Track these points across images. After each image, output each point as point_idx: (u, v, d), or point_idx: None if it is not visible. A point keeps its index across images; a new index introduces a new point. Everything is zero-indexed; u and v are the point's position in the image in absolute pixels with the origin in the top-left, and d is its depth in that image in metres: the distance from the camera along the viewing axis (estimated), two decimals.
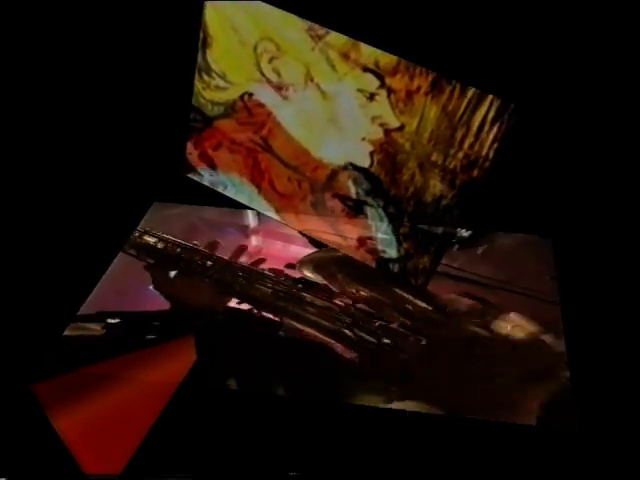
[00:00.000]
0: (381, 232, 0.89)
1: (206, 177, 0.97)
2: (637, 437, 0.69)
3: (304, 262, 0.90)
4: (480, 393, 0.73)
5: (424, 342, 0.79)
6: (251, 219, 0.98)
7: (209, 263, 0.90)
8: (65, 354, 0.77)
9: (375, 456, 0.69)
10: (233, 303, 0.84)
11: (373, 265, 0.89)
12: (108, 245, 0.91)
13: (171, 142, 0.97)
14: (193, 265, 0.90)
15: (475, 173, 0.81)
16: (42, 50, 0.97)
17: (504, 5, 0.85)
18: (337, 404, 0.72)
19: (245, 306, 0.84)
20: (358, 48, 0.82)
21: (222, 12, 0.87)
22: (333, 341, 0.79)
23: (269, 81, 0.88)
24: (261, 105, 0.90)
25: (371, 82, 0.83)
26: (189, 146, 0.96)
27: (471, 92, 0.79)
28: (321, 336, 0.80)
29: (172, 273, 0.88)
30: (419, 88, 0.81)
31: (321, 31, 0.83)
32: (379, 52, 0.81)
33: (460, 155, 0.81)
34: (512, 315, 0.82)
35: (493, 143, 0.79)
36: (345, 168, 0.88)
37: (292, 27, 0.84)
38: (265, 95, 0.89)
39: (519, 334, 0.80)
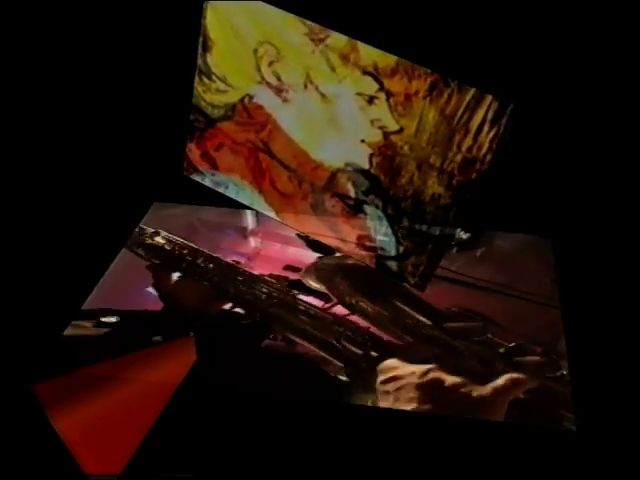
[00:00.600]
0: (380, 233, 0.89)
1: (207, 177, 0.97)
2: (636, 437, 0.69)
3: (309, 271, 0.90)
4: (479, 393, 0.73)
5: (408, 354, 0.79)
6: (250, 220, 0.98)
7: (210, 266, 0.90)
8: (65, 354, 0.77)
9: (375, 456, 0.69)
10: (227, 307, 0.84)
11: (372, 265, 0.90)
12: (108, 245, 0.91)
13: (171, 142, 0.97)
14: (195, 267, 0.90)
15: (474, 175, 0.81)
16: (43, 52, 0.97)
17: (503, 5, 0.86)
18: (333, 404, 0.72)
19: (238, 310, 0.84)
20: (357, 50, 0.82)
21: (222, 14, 0.87)
22: (320, 351, 0.78)
23: (269, 84, 0.88)
24: (261, 108, 0.90)
25: (370, 85, 0.83)
26: (191, 146, 0.96)
27: (469, 94, 0.79)
28: (308, 344, 0.79)
29: (175, 275, 0.88)
30: (417, 92, 0.81)
31: (321, 34, 0.83)
32: (377, 53, 0.81)
33: (459, 157, 0.81)
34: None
35: (492, 144, 0.80)
36: (344, 170, 0.88)
37: (292, 29, 0.84)
38: (265, 98, 0.89)
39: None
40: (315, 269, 0.90)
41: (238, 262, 0.91)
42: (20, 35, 0.97)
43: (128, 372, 0.75)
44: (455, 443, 0.69)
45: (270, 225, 0.96)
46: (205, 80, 0.91)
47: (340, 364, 0.77)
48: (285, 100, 0.88)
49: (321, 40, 0.83)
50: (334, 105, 0.86)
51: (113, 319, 0.81)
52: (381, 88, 0.82)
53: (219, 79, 0.91)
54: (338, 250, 0.92)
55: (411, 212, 0.86)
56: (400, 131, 0.83)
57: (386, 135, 0.84)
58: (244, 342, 0.79)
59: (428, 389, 0.73)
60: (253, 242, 0.96)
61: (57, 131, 1.01)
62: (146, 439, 0.68)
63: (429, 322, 0.82)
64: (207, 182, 0.98)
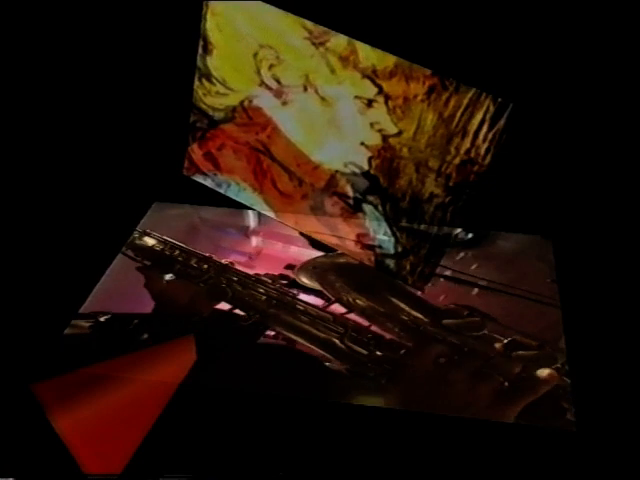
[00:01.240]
0: (379, 233, 0.89)
1: (209, 178, 0.98)
2: (636, 437, 0.69)
3: (302, 268, 0.90)
4: (479, 393, 0.73)
5: (415, 353, 0.78)
6: (251, 220, 0.98)
7: (205, 267, 0.90)
8: (65, 354, 0.77)
9: (375, 455, 0.69)
10: (225, 308, 0.84)
11: (371, 265, 0.90)
12: (108, 245, 0.91)
13: (171, 142, 0.97)
14: (189, 269, 0.90)
15: (472, 176, 0.82)
16: (44, 53, 0.97)
17: (502, 5, 0.85)
18: (332, 404, 0.72)
19: (237, 311, 0.84)
20: (356, 51, 0.82)
21: (222, 16, 0.87)
22: (323, 351, 0.78)
23: (269, 87, 0.88)
24: (261, 111, 0.90)
25: (369, 89, 0.83)
26: (193, 147, 0.96)
27: (467, 96, 0.79)
28: (310, 345, 0.79)
29: (167, 276, 0.88)
30: (416, 95, 0.81)
31: (322, 38, 0.83)
32: (376, 55, 0.82)
33: (457, 160, 0.82)
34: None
35: (491, 145, 0.80)
36: (344, 172, 0.88)
37: (293, 32, 0.85)
38: (265, 101, 0.89)
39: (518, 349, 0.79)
40: (309, 267, 0.90)
41: (239, 262, 0.91)
42: (21, 37, 0.97)
43: (128, 372, 0.75)
44: (455, 443, 0.69)
45: (272, 224, 0.96)
46: (205, 83, 0.91)
47: (345, 364, 0.77)
48: (285, 103, 0.88)
49: (322, 44, 0.84)
50: (334, 108, 0.86)
51: (113, 319, 0.81)
52: (380, 92, 0.83)
53: (219, 82, 0.91)
54: (338, 249, 0.92)
55: (410, 212, 0.86)
56: (399, 134, 0.84)
57: (385, 138, 0.85)
58: (244, 342, 0.79)
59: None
60: (255, 241, 0.96)
61: (57, 132, 1.01)
62: (146, 439, 0.68)
63: (427, 319, 0.82)
64: (208, 183, 0.98)
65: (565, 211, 0.93)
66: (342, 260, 0.91)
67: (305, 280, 0.88)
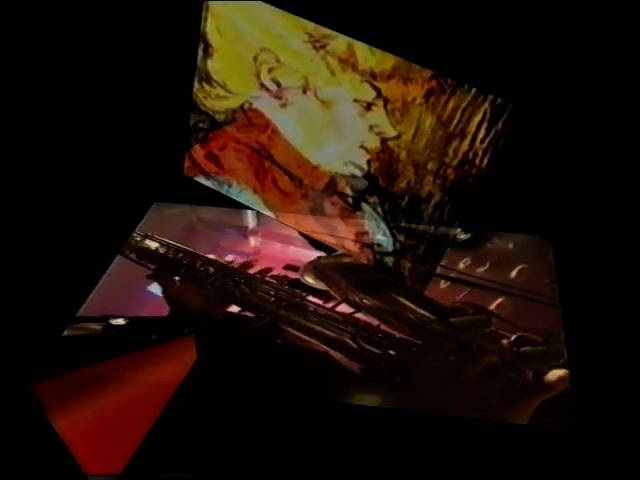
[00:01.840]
0: (378, 234, 0.89)
1: (210, 178, 0.98)
2: (636, 437, 0.69)
3: (307, 269, 0.89)
4: (479, 393, 0.73)
5: (425, 351, 0.78)
6: (251, 220, 0.98)
7: (211, 270, 0.90)
8: (65, 354, 0.77)
9: (375, 455, 0.69)
10: (234, 310, 0.84)
11: (371, 265, 0.90)
12: (108, 245, 0.91)
13: (171, 142, 0.97)
14: (194, 271, 0.90)
15: (471, 178, 0.82)
16: (44, 54, 0.97)
17: (501, 5, 0.86)
18: (335, 404, 0.72)
19: (247, 313, 0.83)
20: (355, 54, 0.83)
21: (222, 18, 0.87)
22: (335, 351, 0.78)
23: (269, 90, 0.88)
24: (261, 113, 0.90)
25: (368, 92, 0.84)
26: (196, 147, 0.96)
27: (466, 98, 0.79)
28: (323, 346, 0.79)
29: (174, 279, 0.88)
30: (415, 99, 0.81)
31: (323, 41, 0.84)
32: (375, 57, 0.82)
33: (455, 161, 0.82)
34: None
35: (490, 146, 0.80)
36: (343, 175, 0.88)
37: (293, 34, 0.85)
38: (264, 103, 0.90)
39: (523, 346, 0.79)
40: (313, 267, 0.90)
41: (238, 262, 0.91)
42: (21, 38, 0.97)
43: (128, 372, 0.74)
44: (455, 443, 0.69)
45: (271, 224, 0.96)
46: (206, 86, 0.92)
47: (359, 363, 0.77)
48: (284, 105, 0.89)
49: (322, 46, 0.84)
50: (333, 110, 0.86)
51: (113, 320, 0.81)
52: (379, 95, 0.83)
53: (220, 85, 0.91)
54: (337, 249, 0.92)
55: (409, 213, 0.86)
56: (398, 137, 0.84)
57: (384, 141, 0.85)
58: (252, 343, 0.79)
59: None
60: (254, 241, 0.96)
61: (57, 132, 1.01)
62: (146, 439, 0.68)
63: (433, 317, 0.82)
64: (210, 183, 0.98)
65: (565, 211, 0.93)
66: (346, 260, 0.91)
67: (310, 280, 0.88)
